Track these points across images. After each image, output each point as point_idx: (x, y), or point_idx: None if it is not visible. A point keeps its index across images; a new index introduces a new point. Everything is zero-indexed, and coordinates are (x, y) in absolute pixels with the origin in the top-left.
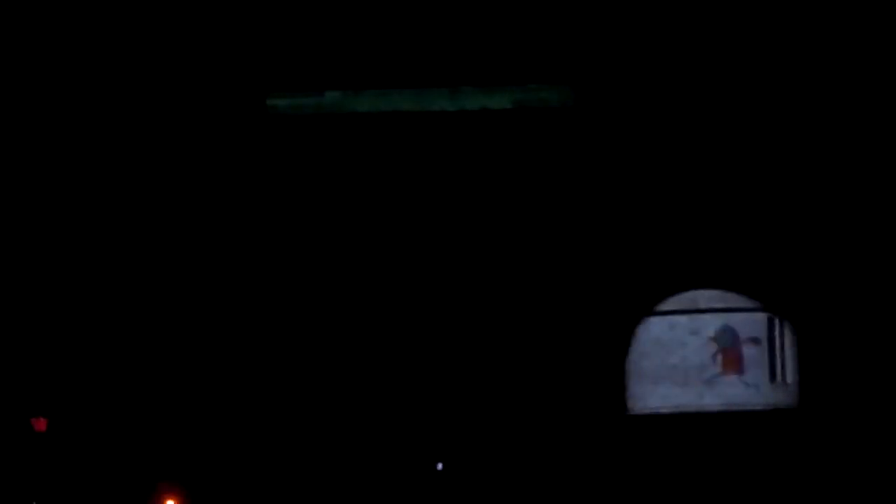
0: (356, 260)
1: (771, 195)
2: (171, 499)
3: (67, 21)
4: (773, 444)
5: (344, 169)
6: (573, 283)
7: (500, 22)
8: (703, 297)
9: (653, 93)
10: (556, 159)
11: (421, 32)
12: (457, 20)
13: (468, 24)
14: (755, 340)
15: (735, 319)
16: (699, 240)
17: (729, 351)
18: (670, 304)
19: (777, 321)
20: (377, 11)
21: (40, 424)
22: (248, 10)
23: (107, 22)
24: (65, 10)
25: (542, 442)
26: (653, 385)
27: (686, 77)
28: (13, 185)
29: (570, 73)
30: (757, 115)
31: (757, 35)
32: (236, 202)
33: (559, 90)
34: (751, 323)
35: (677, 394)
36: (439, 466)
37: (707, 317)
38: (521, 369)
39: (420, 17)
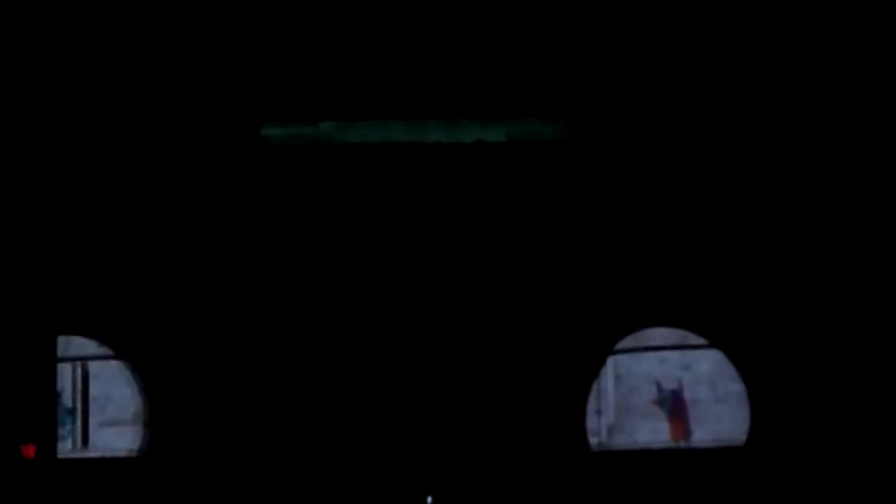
0: (349, 289)
1: (757, 234)
2: None
3: (62, 44)
4: (764, 477)
5: (338, 199)
6: (552, 314)
7: (495, 55)
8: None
9: (645, 129)
10: (548, 193)
11: (417, 64)
12: (453, 53)
13: (464, 57)
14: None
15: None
16: (669, 277)
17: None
18: (659, 339)
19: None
20: (373, 42)
21: (29, 451)
22: (242, 39)
23: (101, 50)
24: (59, 34)
25: (506, 477)
26: (641, 420)
27: (676, 115)
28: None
29: (564, 108)
30: (751, 159)
31: (750, 78)
32: (230, 231)
33: (554, 124)
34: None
35: (667, 428)
36: (429, 500)
37: (699, 353)
38: (481, 404)
39: (416, 49)
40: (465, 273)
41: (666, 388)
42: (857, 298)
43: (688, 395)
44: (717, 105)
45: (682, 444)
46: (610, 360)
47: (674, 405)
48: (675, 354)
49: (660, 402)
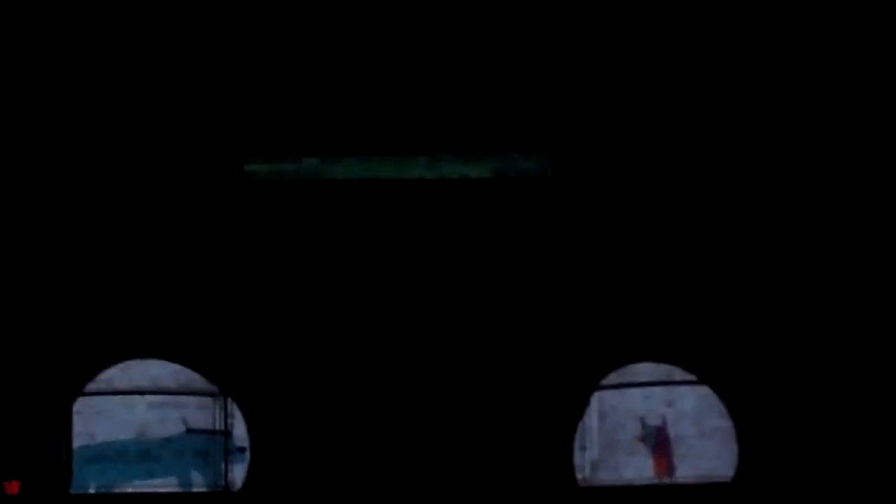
0: (333, 326)
1: (744, 269)
2: None
3: (43, 77)
4: None
5: (322, 236)
6: (537, 350)
7: (480, 91)
8: (680, 369)
9: (629, 164)
10: (532, 229)
11: (401, 100)
12: (436, 89)
13: (448, 93)
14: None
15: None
16: (655, 312)
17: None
18: (643, 375)
19: None
20: (357, 78)
21: (13, 488)
22: (226, 75)
23: (83, 84)
24: (41, 67)
25: None
26: (627, 456)
27: (659, 150)
28: None
29: (548, 143)
30: (737, 196)
31: (734, 119)
32: (214, 267)
33: (537, 159)
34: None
35: (650, 465)
36: None
37: (683, 389)
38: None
39: (400, 85)
40: (450, 310)
41: (650, 424)
42: (845, 335)
43: (672, 432)
44: (701, 142)
45: (666, 479)
46: (594, 397)
47: (657, 441)
48: (659, 390)
49: (643, 438)
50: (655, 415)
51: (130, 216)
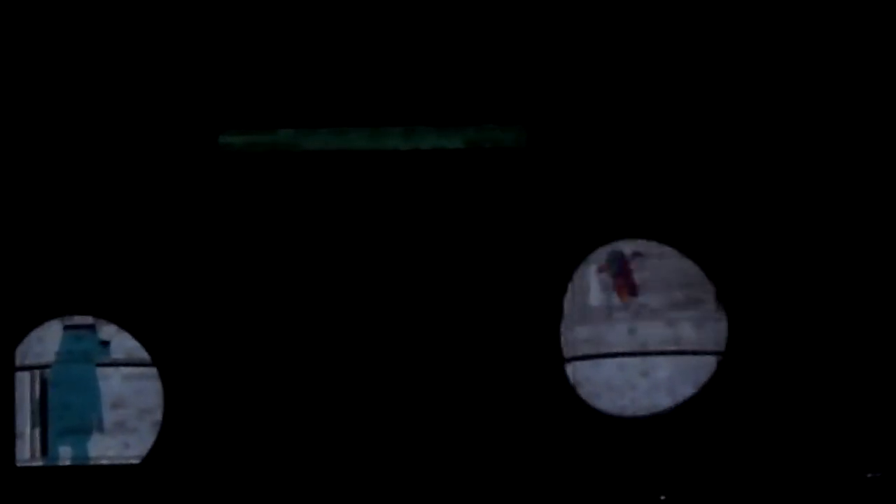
0: (310, 297)
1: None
2: None
3: (12, 49)
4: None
5: (298, 207)
6: (511, 322)
7: (454, 61)
8: (653, 338)
9: (608, 135)
10: (507, 201)
11: (376, 71)
12: (411, 60)
13: (423, 64)
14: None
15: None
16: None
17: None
18: (620, 345)
19: None
20: (331, 50)
21: None
22: (199, 46)
23: (51, 53)
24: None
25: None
26: None
27: (641, 119)
28: None
29: (524, 114)
30: (721, 169)
31: (719, 81)
32: (188, 241)
33: (512, 130)
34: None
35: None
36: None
37: (658, 359)
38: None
39: (375, 55)
40: (426, 280)
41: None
42: (835, 206)
43: (646, 401)
44: (686, 109)
45: (632, 301)
46: (569, 367)
47: (619, 268)
48: (634, 360)
49: (608, 266)
50: (629, 385)
51: (99, 188)
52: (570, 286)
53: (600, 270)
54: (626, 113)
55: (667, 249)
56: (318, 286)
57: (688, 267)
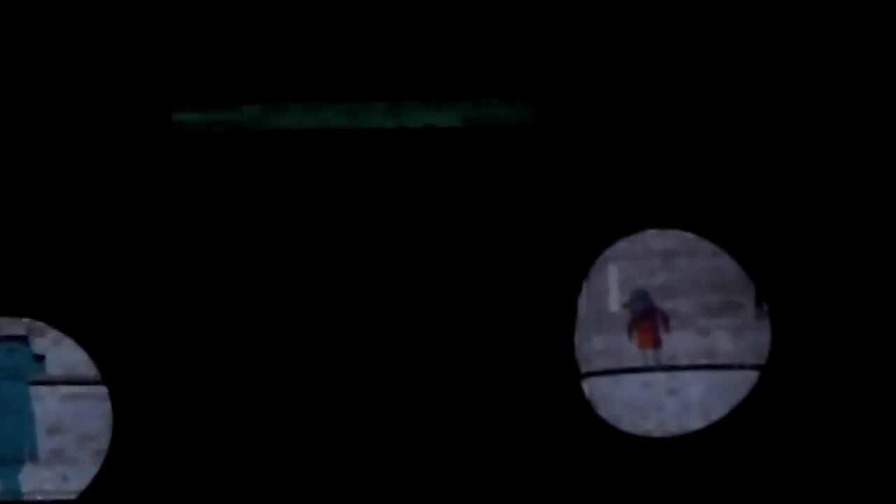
0: (276, 289)
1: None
2: None
3: None
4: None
5: (264, 195)
6: (509, 317)
7: (448, 27)
8: (685, 351)
9: (621, 111)
10: (509, 186)
11: (355, 38)
12: (398, 25)
13: (411, 30)
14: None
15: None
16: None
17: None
18: (643, 358)
19: None
20: (304, 12)
21: None
22: (149, 8)
23: None
24: None
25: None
26: None
27: (668, 92)
28: None
29: (530, 86)
30: (734, 144)
31: (730, 58)
32: (139, 230)
33: (517, 106)
34: None
35: (636, 336)
36: None
37: (688, 375)
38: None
39: (354, 20)
40: (416, 280)
41: (637, 289)
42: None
43: (675, 424)
44: (722, 79)
45: (651, 352)
46: (585, 384)
47: (644, 308)
48: (660, 377)
49: (630, 303)
50: (657, 405)
51: (35, 173)
52: (583, 287)
53: (622, 306)
54: (650, 85)
55: (698, 245)
56: (290, 287)
57: (723, 265)
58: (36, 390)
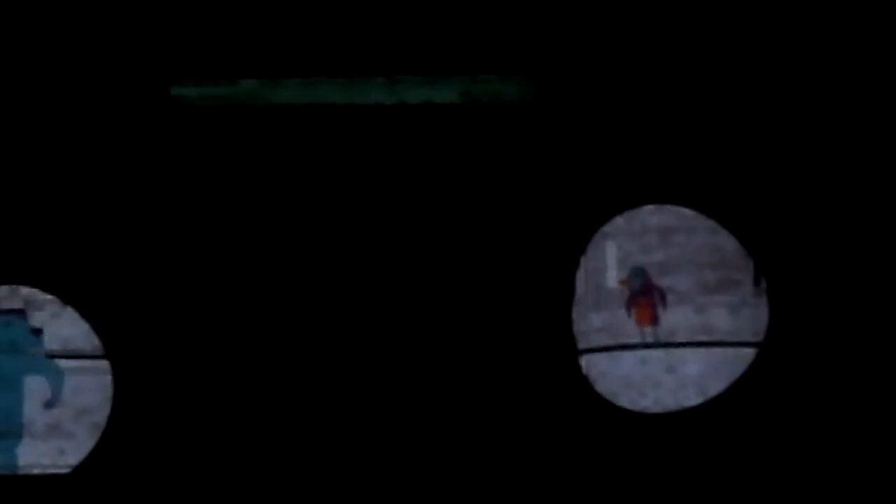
0: (273, 268)
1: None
2: None
3: None
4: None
5: (261, 170)
6: (506, 300)
7: (446, 2)
8: (682, 328)
9: (622, 88)
10: (508, 163)
11: (353, 13)
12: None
13: (409, 5)
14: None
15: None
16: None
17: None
18: (641, 335)
19: None
20: None
21: None
22: None
23: None
24: None
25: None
26: None
27: (667, 68)
28: None
29: (528, 62)
30: (733, 121)
31: (728, 32)
32: (136, 205)
33: (516, 82)
34: None
35: (634, 314)
36: None
37: (685, 352)
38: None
39: None
40: (414, 258)
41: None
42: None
43: (671, 400)
44: (721, 54)
45: (650, 330)
46: (582, 360)
47: (643, 284)
48: (658, 353)
49: (629, 279)
50: (653, 382)
51: (34, 147)
52: (581, 263)
53: (619, 283)
54: (649, 60)
55: (696, 221)
56: (289, 263)
57: (722, 242)
58: (31, 364)
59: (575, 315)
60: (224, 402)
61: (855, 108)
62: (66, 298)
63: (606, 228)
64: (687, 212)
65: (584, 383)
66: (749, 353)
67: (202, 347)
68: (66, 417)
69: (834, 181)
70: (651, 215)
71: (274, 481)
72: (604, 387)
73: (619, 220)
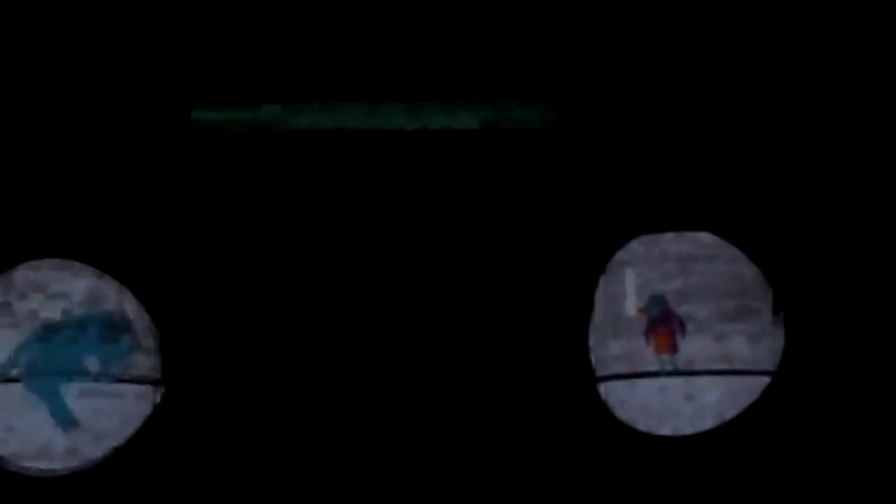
0: (296, 297)
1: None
2: None
3: None
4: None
5: (283, 194)
6: (526, 321)
7: (467, 26)
8: (701, 356)
9: (642, 115)
10: (528, 189)
11: (376, 39)
12: (418, 27)
13: (430, 31)
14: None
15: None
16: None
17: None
18: (660, 363)
19: None
20: (324, 12)
21: None
22: (171, 7)
23: (16, 21)
24: None
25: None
26: None
27: (686, 95)
28: None
29: (549, 89)
30: (752, 149)
31: (745, 63)
32: (157, 227)
33: (536, 108)
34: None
35: (652, 341)
36: None
37: (704, 380)
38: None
39: (374, 21)
40: (433, 281)
41: (655, 294)
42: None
43: (691, 429)
44: (741, 82)
45: (667, 358)
46: (601, 388)
47: (661, 312)
48: (676, 381)
49: (646, 307)
50: (671, 410)
51: (59, 172)
52: (600, 290)
53: (638, 310)
54: (668, 87)
55: (715, 249)
56: (305, 284)
57: (741, 270)
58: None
59: (593, 342)
60: (250, 408)
61: (874, 142)
62: None
63: (626, 256)
64: (707, 239)
65: (603, 410)
66: (769, 382)
67: (230, 366)
68: (85, 441)
69: (853, 212)
70: (670, 243)
71: (288, 486)
72: (623, 414)
73: (638, 248)
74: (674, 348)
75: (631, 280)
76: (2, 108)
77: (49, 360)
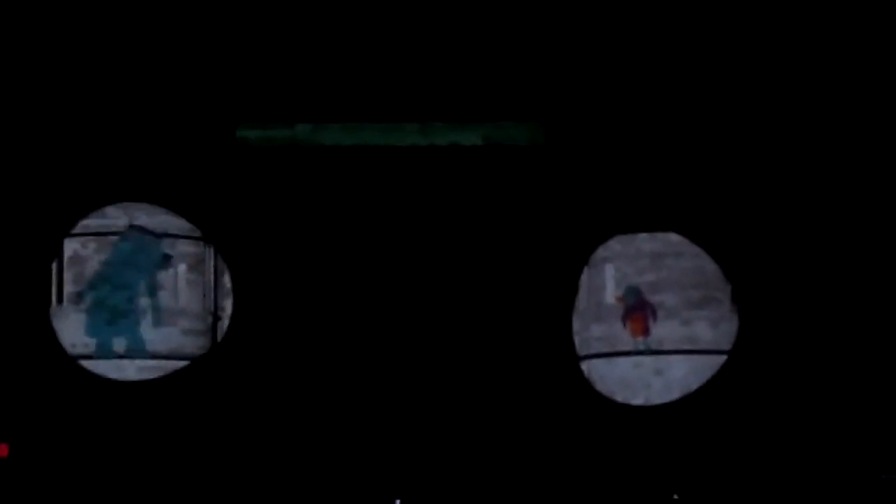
0: (324, 291)
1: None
2: None
3: (30, 46)
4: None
5: (314, 202)
6: (523, 323)
7: (471, 57)
8: (670, 338)
9: (628, 133)
10: (523, 196)
11: (393, 66)
12: (428, 55)
13: (440, 59)
14: None
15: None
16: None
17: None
18: (634, 344)
19: None
20: (349, 44)
21: (2, 450)
22: (217, 39)
23: (67, 47)
24: (28, 35)
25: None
26: None
27: (662, 116)
28: None
29: (540, 111)
30: (718, 166)
31: (735, 78)
32: (204, 236)
33: (528, 127)
34: None
35: (628, 326)
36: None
37: (672, 358)
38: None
39: (392, 51)
40: (441, 275)
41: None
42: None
43: (660, 400)
44: (705, 106)
45: (641, 339)
46: (584, 365)
47: (637, 301)
48: (648, 359)
49: (623, 296)
50: (643, 384)
51: (115, 185)
52: (584, 282)
53: (616, 299)
54: (646, 109)
55: (683, 247)
56: (332, 282)
57: (705, 266)
58: (117, 364)
59: (577, 326)
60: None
61: (820, 154)
62: None
63: (606, 252)
64: (675, 239)
65: (585, 384)
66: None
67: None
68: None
69: (799, 216)
70: (644, 242)
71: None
72: (602, 387)
73: (616, 246)
74: (647, 331)
75: (610, 273)
76: (58, 127)
77: None
